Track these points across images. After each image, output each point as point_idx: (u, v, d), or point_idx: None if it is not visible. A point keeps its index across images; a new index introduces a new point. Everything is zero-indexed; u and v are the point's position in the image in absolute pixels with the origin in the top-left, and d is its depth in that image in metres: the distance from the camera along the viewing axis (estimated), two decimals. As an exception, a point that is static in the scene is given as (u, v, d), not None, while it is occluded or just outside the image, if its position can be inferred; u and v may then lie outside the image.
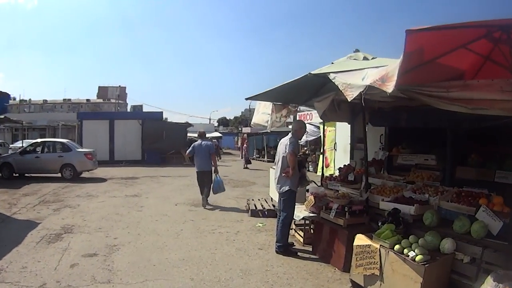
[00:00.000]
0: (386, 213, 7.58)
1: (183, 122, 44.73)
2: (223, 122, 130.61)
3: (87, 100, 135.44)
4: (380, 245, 6.52)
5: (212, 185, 14.74)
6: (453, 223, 6.55)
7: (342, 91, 6.80)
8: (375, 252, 6.53)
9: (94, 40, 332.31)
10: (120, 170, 28.99)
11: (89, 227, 11.07)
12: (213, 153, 15.46)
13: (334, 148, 17.74)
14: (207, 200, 14.71)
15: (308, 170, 28.53)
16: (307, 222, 9.99)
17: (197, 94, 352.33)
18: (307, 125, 26.47)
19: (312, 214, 9.45)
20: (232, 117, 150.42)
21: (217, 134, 63.63)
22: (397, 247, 6.33)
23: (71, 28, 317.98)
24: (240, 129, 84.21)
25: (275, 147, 37.31)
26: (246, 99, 11.63)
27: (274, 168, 11.39)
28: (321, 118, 11.61)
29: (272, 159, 37.36)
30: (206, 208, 14.31)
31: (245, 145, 38.31)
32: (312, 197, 9.49)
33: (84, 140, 34.81)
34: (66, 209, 13.75)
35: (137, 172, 27.28)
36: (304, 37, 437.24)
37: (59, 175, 22.71)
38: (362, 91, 6.34)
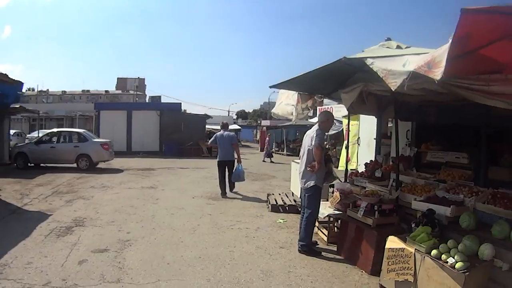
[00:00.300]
0: (419, 214, 7.11)
1: (202, 114, 44.10)
2: (242, 114, 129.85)
3: (106, 91, 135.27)
4: (415, 249, 6.02)
5: (233, 175, 14.91)
6: (491, 227, 6.05)
7: (383, 79, 6.10)
8: (410, 257, 6.03)
9: (113, 33, 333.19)
10: (137, 161, 28.62)
11: (102, 220, 10.62)
12: (236, 143, 15.61)
13: (357, 142, 17.13)
14: (230, 189, 15.30)
15: None
16: (331, 219, 9.35)
17: (216, 87, 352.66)
18: None
19: (338, 212, 8.96)
20: (251, 110, 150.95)
21: (236, 126, 62.91)
22: (434, 252, 5.80)
23: (90, 20, 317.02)
24: (259, 122, 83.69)
25: (295, 141, 36.95)
26: (270, 87, 10.74)
27: (297, 162, 11.38)
28: (348, 110, 10.94)
29: (292, 152, 37.13)
30: (226, 197, 14.66)
31: (267, 138, 37.50)
32: (337, 194, 9.02)
33: (101, 130, 34.77)
34: (79, 200, 13.33)
35: (154, 164, 26.87)
36: (322, 32, 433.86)
37: (74, 165, 22.31)
38: (406, 78, 5.60)
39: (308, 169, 8.31)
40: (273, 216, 11.86)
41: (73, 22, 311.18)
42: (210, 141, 16.61)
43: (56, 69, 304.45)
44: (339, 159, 27.59)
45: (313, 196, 8.42)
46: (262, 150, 43.97)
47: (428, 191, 7.99)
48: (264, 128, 49.74)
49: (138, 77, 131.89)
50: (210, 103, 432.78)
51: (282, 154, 41.93)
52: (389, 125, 13.73)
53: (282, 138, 45.12)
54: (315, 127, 8.55)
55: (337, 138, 31.82)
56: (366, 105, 10.63)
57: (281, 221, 11.20)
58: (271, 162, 33.44)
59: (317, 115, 9.86)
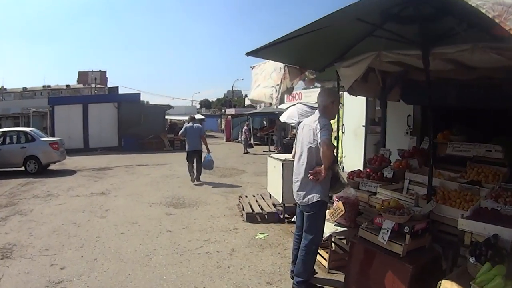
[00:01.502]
0: (466, 235, 4.96)
1: (165, 104, 41.50)
2: (205, 104, 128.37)
3: (67, 85, 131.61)
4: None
5: (202, 162, 16.04)
6: None
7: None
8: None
9: (75, 26, 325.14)
10: (93, 159, 25.87)
11: (34, 248, 8.04)
12: (203, 135, 16.67)
13: (342, 130, 14.70)
14: (197, 177, 16.18)
15: None
16: (334, 239, 7.12)
17: (179, 77, 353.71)
18: (298, 105, 24.24)
19: (342, 229, 6.69)
20: (214, 99, 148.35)
21: (200, 116, 60.47)
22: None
23: (52, 14, 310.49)
24: (223, 110, 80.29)
25: (262, 129, 34.36)
26: (248, 53, 7.17)
27: (275, 158, 10.73)
28: (348, 91, 8.59)
29: (259, 141, 34.52)
30: (195, 184, 15.69)
31: (245, 127, 34.66)
32: (341, 204, 6.68)
33: (56, 127, 31.96)
34: (15, 217, 10.71)
35: (111, 161, 24.18)
36: (287, 16, 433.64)
37: (23, 168, 19.37)
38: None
39: (310, 177, 5.73)
40: (250, 228, 9.56)
41: (35, 17, 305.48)
42: (180, 132, 17.17)
43: (18, 66, 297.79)
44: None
45: (316, 215, 5.87)
46: (228, 139, 43.17)
47: (470, 200, 5.81)
48: (229, 117, 47.63)
49: (100, 70, 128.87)
50: (174, 93, 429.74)
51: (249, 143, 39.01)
52: (376, 108, 12.02)
53: (249, 127, 41.90)
54: (316, 114, 6.04)
55: None
56: (367, 84, 8.55)
57: (261, 236, 8.86)
58: (247, 152, 31.14)
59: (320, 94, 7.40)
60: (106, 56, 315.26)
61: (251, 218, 10.17)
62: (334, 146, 6.01)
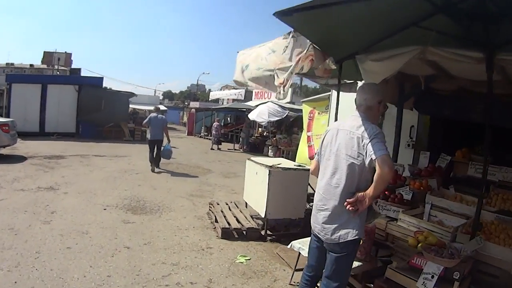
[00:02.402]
0: None
1: (128, 91, 39.25)
2: (168, 95, 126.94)
3: (31, 65, 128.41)
4: None
5: (162, 151, 16.90)
6: None
7: None
8: None
9: (43, 4, 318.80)
10: (48, 145, 23.34)
11: None
12: (166, 126, 17.23)
13: (328, 136, 13.07)
14: (157, 165, 16.94)
15: (268, 156, 25.39)
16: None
17: (144, 66, 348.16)
18: (269, 103, 22.97)
19: (358, 263, 5.11)
20: (178, 91, 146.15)
21: (163, 107, 58.63)
22: None
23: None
24: (186, 103, 78.49)
25: (226, 125, 32.79)
26: (277, 13, 4.95)
27: (254, 161, 9.65)
28: None
29: (223, 138, 32.68)
30: (155, 172, 16.29)
31: (216, 122, 32.05)
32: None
33: (12, 107, 29.18)
34: None
35: (66, 149, 21.80)
36: (255, 16, 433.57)
37: (-31, 153, 16.96)
38: None
39: (349, 207, 4.00)
40: (227, 247, 7.89)
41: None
42: (144, 121, 18.14)
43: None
44: (284, 151, 24.86)
45: (348, 258, 4.24)
46: (189, 133, 41.63)
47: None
48: (193, 110, 46.00)
49: (65, 52, 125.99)
50: (137, 82, 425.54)
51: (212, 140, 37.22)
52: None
53: (213, 122, 40.08)
54: (355, 118, 4.36)
55: (279, 126, 29.23)
56: (387, 87, 7.03)
57: (243, 260, 7.21)
58: (218, 149, 29.33)
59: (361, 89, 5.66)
60: (73, 39, 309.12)
61: (227, 234, 8.53)
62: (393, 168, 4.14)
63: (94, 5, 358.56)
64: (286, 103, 29.20)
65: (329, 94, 13.06)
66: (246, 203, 10.29)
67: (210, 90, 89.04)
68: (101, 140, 27.80)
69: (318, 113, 13.80)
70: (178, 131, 47.93)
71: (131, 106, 40.27)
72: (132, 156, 20.39)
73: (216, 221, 9.19)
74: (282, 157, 24.61)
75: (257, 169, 9.12)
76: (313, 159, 12.49)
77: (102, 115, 30.58)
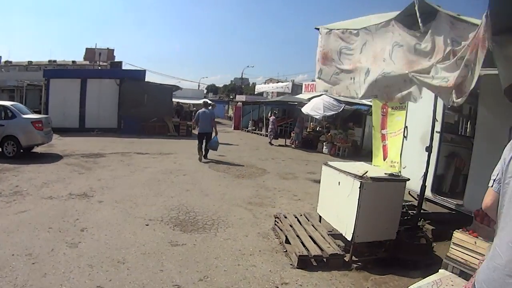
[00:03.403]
0: None
1: (172, 84, 37.41)
2: (212, 89, 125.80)
3: (73, 61, 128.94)
4: None
5: (210, 143, 17.65)
6: None
7: None
8: None
9: (86, 2, 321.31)
10: (87, 141, 21.78)
11: None
12: (214, 118, 18.11)
13: (404, 135, 11.01)
14: (205, 156, 17.66)
15: (323, 152, 23.95)
16: None
17: (187, 61, 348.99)
18: (324, 96, 21.23)
19: None
20: (221, 85, 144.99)
21: (209, 101, 56.98)
22: None
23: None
24: (231, 97, 77.10)
25: (276, 119, 30.32)
26: None
27: (332, 167, 7.97)
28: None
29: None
30: (203, 162, 17.02)
31: (273, 116, 30.26)
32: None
33: (50, 103, 27.96)
34: None
35: (106, 146, 20.19)
36: (300, 10, 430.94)
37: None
38: None
39: None
40: (306, 282, 6.09)
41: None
42: (194, 119, 18.99)
43: (26, 41, 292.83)
44: (336, 145, 23.61)
45: None
46: (236, 128, 39.70)
47: None
48: (240, 103, 43.74)
49: (108, 48, 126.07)
50: (181, 76, 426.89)
51: (260, 134, 35.44)
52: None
53: (260, 116, 38.80)
54: None
55: (335, 121, 27.40)
56: None
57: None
58: (272, 144, 27.64)
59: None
60: (115, 35, 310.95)
61: (305, 263, 6.60)
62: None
63: (136, 1, 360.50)
64: (340, 96, 27.33)
65: None
66: (320, 217, 8.47)
67: (254, 84, 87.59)
68: (144, 136, 26.40)
69: (392, 109, 11.90)
70: (224, 125, 45.17)
71: (175, 100, 38.93)
72: (178, 154, 18.71)
73: (287, 241, 7.36)
74: (338, 154, 23.41)
75: (340, 178, 7.29)
76: (386, 159, 10.30)
77: (145, 109, 28.97)
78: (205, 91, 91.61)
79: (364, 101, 28.90)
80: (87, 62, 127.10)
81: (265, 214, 9.59)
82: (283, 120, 33.93)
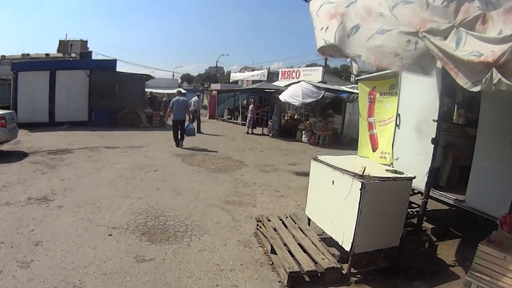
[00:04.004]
0: None
1: (144, 74, 35.89)
2: (186, 78, 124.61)
3: (46, 54, 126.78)
4: None
5: (186, 130, 18.26)
6: None
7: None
8: None
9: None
10: (56, 136, 20.39)
11: None
12: (187, 107, 19.30)
13: (396, 123, 10.18)
14: (181, 143, 18.15)
15: (302, 141, 23.34)
16: None
17: (161, 51, 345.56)
18: (303, 83, 20.41)
19: None
20: (196, 74, 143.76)
21: (182, 90, 55.98)
22: None
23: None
24: (206, 86, 75.55)
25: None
26: None
27: (322, 162, 6.95)
28: None
29: (246, 122, 29.48)
30: (182, 147, 17.61)
31: (251, 105, 28.94)
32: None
33: (19, 97, 26.29)
34: None
35: (75, 140, 18.77)
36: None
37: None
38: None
39: None
40: None
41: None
42: (169, 108, 19.14)
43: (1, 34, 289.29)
44: (316, 134, 23.05)
45: None
46: (211, 117, 38.76)
47: None
48: (214, 92, 42.53)
49: (81, 39, 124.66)
50: (155, 66, 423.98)
51: (236, 123, 34.39)
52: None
53: (236, 104, 37.60)
54: None
55: (313, 109, 26.61)
56: None
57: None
58: (251, 133, 26.86)
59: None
60: (88, 26, 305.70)
61: (296, 280, 5.63)
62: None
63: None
64: (318, 82, 26.64)
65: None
66: (309, 219, 7.54)
67: (229, 72, 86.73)
68: (115, 128, 25.02)
69: (380, 95, 11.04)
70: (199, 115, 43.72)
71: (148, 90, 38.00)
72: (149, 147, 17.51)
73: (273, 251, 6.37)
74: (318, 143, 22.65)
75: (335, 176, 6.33)
76: (376, 150, 10.38)
77: (116, 100, 27.73)
78: (179, 81, 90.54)
79: (345, 88, 28.32)
80: (61, 55, 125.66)
81: (245, 216, 8.64)
82: (260, 108, 32.85)
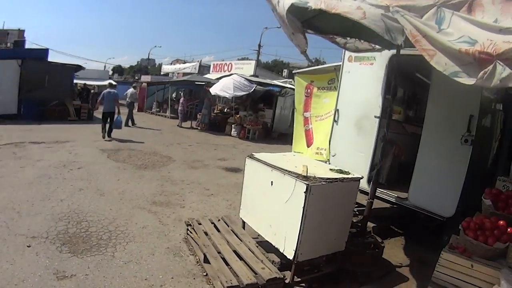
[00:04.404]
0: None
1: (74, 64, 33.98)
2: (118, 70, 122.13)
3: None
4: None
5: (114, 122, 17.86)
6: None
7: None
8: None
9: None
10: (-20, 132, 18.66)
11: None
12: (117, 99, 18.29)
13: (334, 118, 9.65)
14: (108, 134, 17.84)
15: (232, 135, 22.88)
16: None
17: (96, 41, 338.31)
18: (235, 75, 19.71)
19: None
20: (127, 66, 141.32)
21: (113, 82, 54.26)
22: None
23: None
24: (136, 77, 72.50)
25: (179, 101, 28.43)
26: None
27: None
28: None
29: (176, 115, 29.09)
30: (110, 140, 17.21)
31: (182, 97, 28.22)
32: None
33: None
34: None
35: (1, 136, 16.71)
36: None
37: None
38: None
39: None
40: None
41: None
42: (99, 98, 18.96)
43: None
44: (252, 131, 22.62)
45: None
46: (140, 109, 36.46)
47: None
48: (144, 84, 40.81)
49: (19, 28, 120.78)
50: (88, 56, 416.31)
51: (165, 116, 33.17)
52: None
53: (165, 97, 36.57)
54: None
55: (244, 102, 25.97)
56: None
57: None
58: (180, 126, 25.93)
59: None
60: (26, 15, 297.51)
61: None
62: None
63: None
64: (250, 76, 26.17)
65: (338, 65, 9.66)
66: (243, 222, 6.88)
67: (160, 64, 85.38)
68: (44, 122, 23.20)
69: (318, 89, 10.51)
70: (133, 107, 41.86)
71: (81, 81, 36.49)
72: (75, 142, 16.08)
73: (206, 260, 5.67)
74: (248, 137, 22.31)
75: (274, 177, 5.72)
76: (311, 145, 10.65)
77: (45, 92, 25.74)
78: (110, 72, 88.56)
79: (277, 82, 27.97)
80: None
81: (174, 218, 7.91)
82: (190, 101, 31.94)
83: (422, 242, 7.81)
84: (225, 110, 27.71)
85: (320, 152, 10.04)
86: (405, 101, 10.98)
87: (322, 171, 5.82)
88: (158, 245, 6.57)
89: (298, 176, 5.27)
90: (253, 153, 6.77)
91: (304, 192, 5.02)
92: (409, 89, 10.64)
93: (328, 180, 5.34)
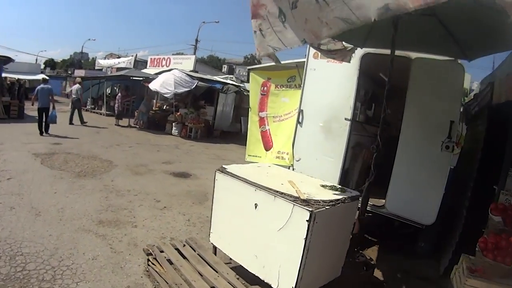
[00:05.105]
0: None
1: (3, 56, 31.65)
2: (50, 64, 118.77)
3: None
4: None
5: (49, 117, 17.88)
6: None
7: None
8: None
9: None
10: None
11: None
12: (52, 94, 18.54)
13: (298, 120, 8.55)
14: (46, 130, 17.71)
15: (172, 134, 22.04)
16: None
17: (27, 33, 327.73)
18: (175, 71, 18.09)
19: None
20: (60, 60, 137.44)
21: (44, 77, 51.93)
22: None
23: None
24: (69, 72, 69.76)
25: (116, 97, 27.03)
26: None
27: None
28: None
29: (112, 112, 27.55)
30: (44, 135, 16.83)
31: (119, 93, 26.63)
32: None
33: None
34: None
35: None
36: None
37: None
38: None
39: None
40: None
41: None
42: (34, 94, 18.45)
43: None
44: (194, 130, 21.95)
45: None
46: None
47: None
48: (78, 79, 38.40)
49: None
50: (18, 48, 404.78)
51: (100, 114, 31.41)
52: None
53: (101, 93, 34.50)
54: None
55: (185, 99, 24.91)
56: None
57: None
58: (117, 124, 24.49)
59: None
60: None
61: None
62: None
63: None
64: (191, 71, 25.02)
65: (300, 62, 8.86)
66: (214, 247, 5.69)
67: (94, 58, 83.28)
68: None
69: (276, 87, 9.55)
70: (61, 103, 36.12)
71: (10, 75, 33.71)
72: (4, 144, 13.67)
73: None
74: (190, 136, 21.52)
75: (260, 199, 4.62)
76: (270, 149, 9.79)
77: (-26, 88, 22.93)
78: (42, 66, 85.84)
79: (219, 78, 27.10)
80: None
81: (127, 242, 6.49)
82: (126, 97, 30.42)
83: (398, 251, 7.56)
84: (164, 107, 26.53)
85: (282, 157, 9.17)
86: (365, 101, 10.20)
87: (315, 189, 4.81)
88: (116, 284, 5.17)
89: (295, 200, 4.20)
90: (224, 166, 5.55)
91: (307, 220, 3.99)
92: (369, 89, 9.88)
93: (331, 203, 4.34)
